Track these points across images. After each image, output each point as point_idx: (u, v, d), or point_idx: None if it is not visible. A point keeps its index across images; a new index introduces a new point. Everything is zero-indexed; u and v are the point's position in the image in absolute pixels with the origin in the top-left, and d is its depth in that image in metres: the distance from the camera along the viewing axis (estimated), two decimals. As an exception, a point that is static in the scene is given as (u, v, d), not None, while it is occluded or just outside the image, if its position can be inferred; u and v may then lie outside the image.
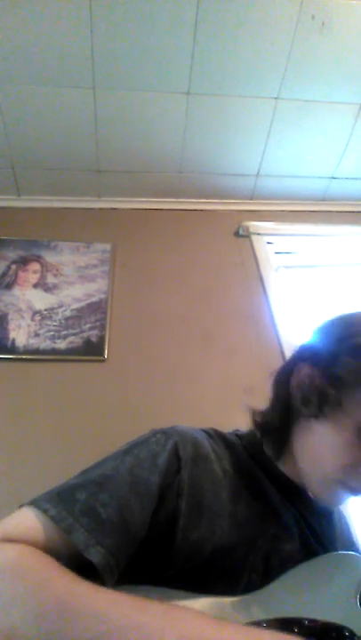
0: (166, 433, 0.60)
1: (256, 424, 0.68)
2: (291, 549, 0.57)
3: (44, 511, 0.50)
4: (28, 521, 0.50)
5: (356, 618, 0.51)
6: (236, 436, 0.69)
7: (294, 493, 0.64)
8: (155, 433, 0.61)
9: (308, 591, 0.53)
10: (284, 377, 0.65)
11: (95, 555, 0.47)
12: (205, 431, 0.66)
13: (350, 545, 0.71)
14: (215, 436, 0.66)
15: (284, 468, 0.65)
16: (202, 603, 0.49)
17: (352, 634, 0.48)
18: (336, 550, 0.64)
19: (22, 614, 0.40)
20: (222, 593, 0.51)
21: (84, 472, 0.57)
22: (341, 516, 0.73)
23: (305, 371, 0.61)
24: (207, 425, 0.68)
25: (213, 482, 0.58)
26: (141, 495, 0.53)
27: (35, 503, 0.51)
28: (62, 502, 0.51)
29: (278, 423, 0.63)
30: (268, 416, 0.66)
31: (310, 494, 0.63)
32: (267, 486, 0.62)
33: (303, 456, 0.61)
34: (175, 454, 0.57)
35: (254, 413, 0.68)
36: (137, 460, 0.56)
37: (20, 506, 0.52)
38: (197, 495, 0.55)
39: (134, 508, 0.52)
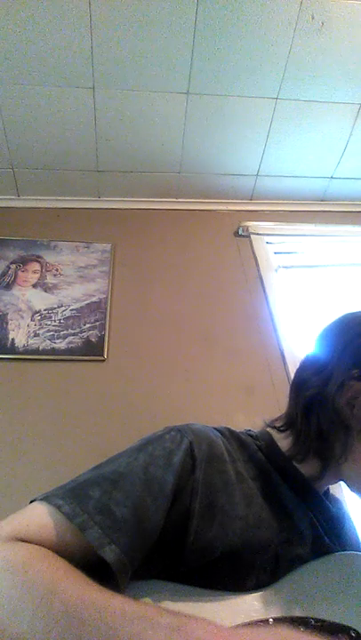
0: (181, 431, 0.59)
1: (289, 422, 0.66)
2: (301, 553, 0.57)
3: (58, 507, 0.49)
4: (41, 517, 0.49)
5: None
6: (250, 436, 0.68)
7: (310, 496, 0.63)
8: (169, 430, 0.60)
9: (315, 591, 0.53)
10: (320, 380, 0.63)
11: (109, 554, 0.46)
12: (219, 430, 0.65)
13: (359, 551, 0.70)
14: (229, 435, 0.65)
15: (304, 468, 0.63)
16: (210, 600, 0.49)
17: (358, 635, 0.48)
18: None
19: (31, 623, 0.39)
20: (230, 590, 0.51)
21: (97, 468, 0.56)
22: (351, 523, 0.73)
23: (357, 388, 0.60)
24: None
25: (227, 483, 0.57)
26: (155, 494, 0.52)
27: (47, 499, 0.50)
28: (76, 499, 0.50)
29: (318, 430, 0.62)
30: (300, 419, 0.64)
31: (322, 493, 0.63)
32: (282, 488, 0.61)
33: (360, 463, 0.60)
34: (190, 454, 0.56)
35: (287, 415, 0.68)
36: (151, 458, 0.55)
37: (31, 501, 0.52)
38: (211, 496, 0.55)
39: (148, 508, 0.51)
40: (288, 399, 0.68)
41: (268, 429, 0.69)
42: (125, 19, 1.45)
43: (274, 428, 0.68)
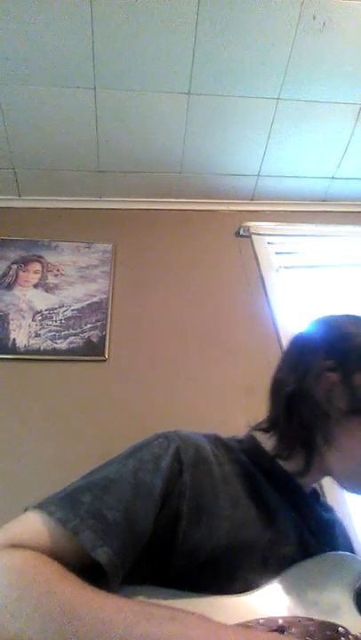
0: (168, 437, 0.61)
1: (272, 422, 0.68)
2: (288, 553, 0.58)
3: (50, 514, 0.50)
4: (35, 524, 0.50)
5: (352, 617, 0.52)
6: (236, 441, 0.70)
7: (297, 496, 0.65)
8: (157, 437, 0.62)
9: (304, 591, 0.54)
10: (297, 376, 0.66)
11: (102, 555, 0.47)
12: (206, 436, 0.67)
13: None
14: (216, 440, 0.67)
15: (289, 465, 0.65)
16: (199, 602, 0.50)
17: (346, 630, 0.49)
18: None
19: (29, 621, 0.40)
20: (219, 593, 0.51)
21: (87, 475, 0.58)
22: (343, 528, 0.74)
23: (332, 379, 0.63)
24: (208, 425, 0.69)
25: (213, 485, 0.58)
26: (145, 498, 0.53)
27: (40, 506, 0.52)
28: (68, 505, 0.51)
29: (300, 423, 0.64)
30: (282, 416, 0.66)
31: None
32: (266, 490, 0.62)
33: (341, 451, 0.62)
34: (177, 458, 0.58)
35: (269, 416, 0.70)
36: (140, 463, 0.57)
37: (25, 509, 0.53)
38: (198, 497, 0.56)
39: (139, 511, 0.52)
40: (269, 401, 0.71)
41: (254, 433, 0.71)
42: (126, 19, 1.45)
43: (259, 430, 0.70)
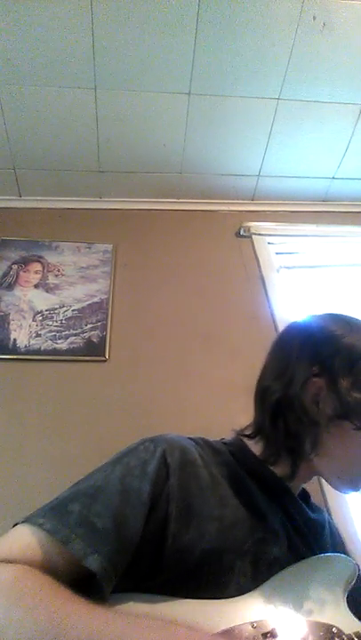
0: (154, 441, 0.62)
1: (257, 428, 0.68)
2: (278, 553, 0.58)
3: (40, 526, 0.50)
4: (24, 538, 0.50)
5: (344, 616, 0.52)
6: (223, 443, 0.70)
7: (285, 497, 0.65)
8: (143, 441, 0.62)
9: (296, 592, 0.54)
10: (283, 383, 0.66)
11: (93, 563, 0.47)
12: (192, 439, 0.67)
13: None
14: (202, 443, 0.67)
15: (277, 469, 0.65)
16: (192, 607, 0.50)
17: (340, 631, 0.50)
18: None
19: (18, 635, 0.40)
20: (211, 598, 0.51)
21: (75, 485, 0.58)
22: (334, 531, 0.74)
23: (319, 384, 0.63)
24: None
25: (201, 486, 0.59)
26: (133, 503, 0.53)
27: (29, 520, 0.52)
28: (56, 515, 0.52)
29: (287, 430, 0.64)
30: (268, 423, 0.66)
31: (297, 491, 0.65)
32: (254, 490, 0.63)
33: (330, 456, 0.63)
34: (164, 462, 0.58)
35: (255, 419, 0.70)
36: (127, 469, 0.57)
37: (15, 524, 0.53)
38: (186, 499, 0.56)
39: (127, 517, 0.52)
40: (254, 408, 0.71)
41: (240, 437, 0.71)
42: (127, 19, 1.45)
43: (244, 435, 0.70)
